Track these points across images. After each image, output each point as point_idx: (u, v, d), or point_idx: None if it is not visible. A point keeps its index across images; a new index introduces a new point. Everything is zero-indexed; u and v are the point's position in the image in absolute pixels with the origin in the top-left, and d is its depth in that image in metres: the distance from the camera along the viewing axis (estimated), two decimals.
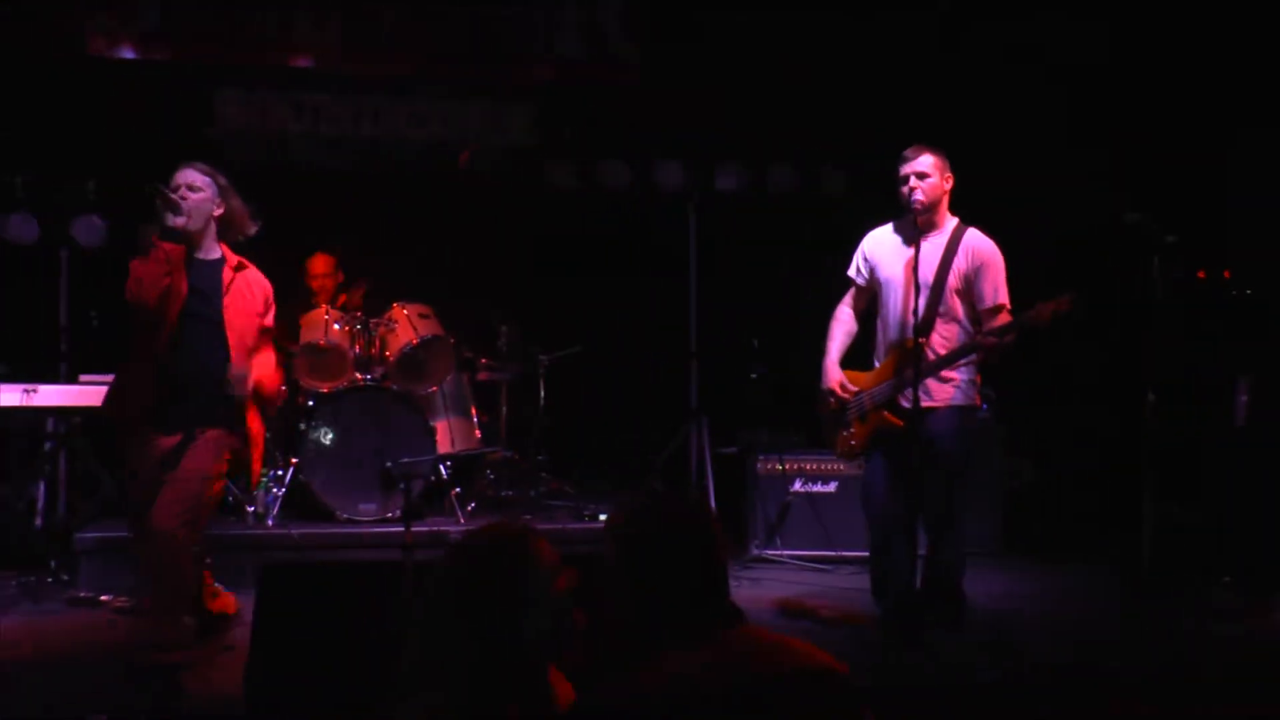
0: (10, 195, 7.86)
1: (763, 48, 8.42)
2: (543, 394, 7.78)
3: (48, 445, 6.99)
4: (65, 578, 6.52)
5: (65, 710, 4.36)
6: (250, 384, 4.84)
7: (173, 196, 4.73)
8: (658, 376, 8.58)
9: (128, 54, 8.16)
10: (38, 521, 7.11)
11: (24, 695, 4.62)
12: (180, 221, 4.73)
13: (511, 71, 8.71)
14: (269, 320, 5.08)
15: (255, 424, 5.00)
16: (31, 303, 7.06)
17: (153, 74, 8.20)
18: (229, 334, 4.83)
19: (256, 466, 5.14)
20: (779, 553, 7.22)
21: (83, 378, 6.61)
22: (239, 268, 4.96)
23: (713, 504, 7.71)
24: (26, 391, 6.52)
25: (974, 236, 5.40)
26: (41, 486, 7.13)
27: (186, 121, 8.27)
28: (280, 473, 7.06)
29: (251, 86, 8.52)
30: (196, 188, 4.82)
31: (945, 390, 5.34)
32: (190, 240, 4.80)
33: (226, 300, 4.87)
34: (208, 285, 4.84)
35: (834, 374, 5.60)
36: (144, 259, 4.69)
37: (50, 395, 6.54)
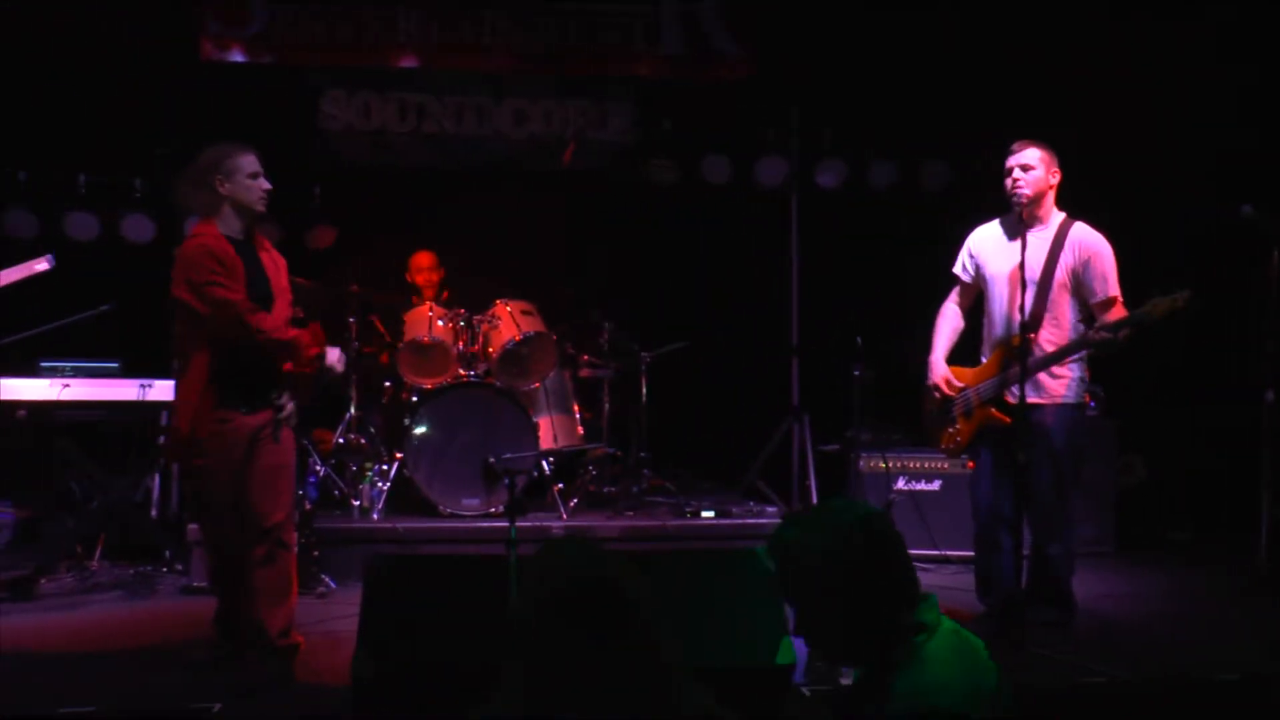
0: (128, 197, 8.07)
1: (863, 42, 8.33)
2: (644, 390, 7.79)
3: (161, 439, 7.16)
4: (179, 567, 6.71)
5: (180, 698, 4.46)
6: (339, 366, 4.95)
7: None
8: (759, 373, 8.55)
9: (237, 58, 8.33)
10: (153, 513, 7.30)
11: (140, 683, 4.75)
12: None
13: (612, 68, 8.72)
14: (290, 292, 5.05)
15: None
16: (146, 300, 7.23)
17: (260, 77, 8.37)
18: (274, 311, 4.81)
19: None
20: None
21: None
22: (265, 248, 4.95)
23: (814, 501, 7.70)
24: (142, 386, 6.70)
25: (1081, 230, 5.31)
26: (156, 479, 7.32)
27: (294, 123, 8.42)
28: (385, 467, 7.17)
29: (355, 87, 8.64)
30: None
31: (1054, 387, 5.25)
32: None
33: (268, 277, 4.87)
34: (255, 267, 4.83)
35: (939, 369, 5.54)
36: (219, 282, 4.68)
37: (164, 390, 6.70)
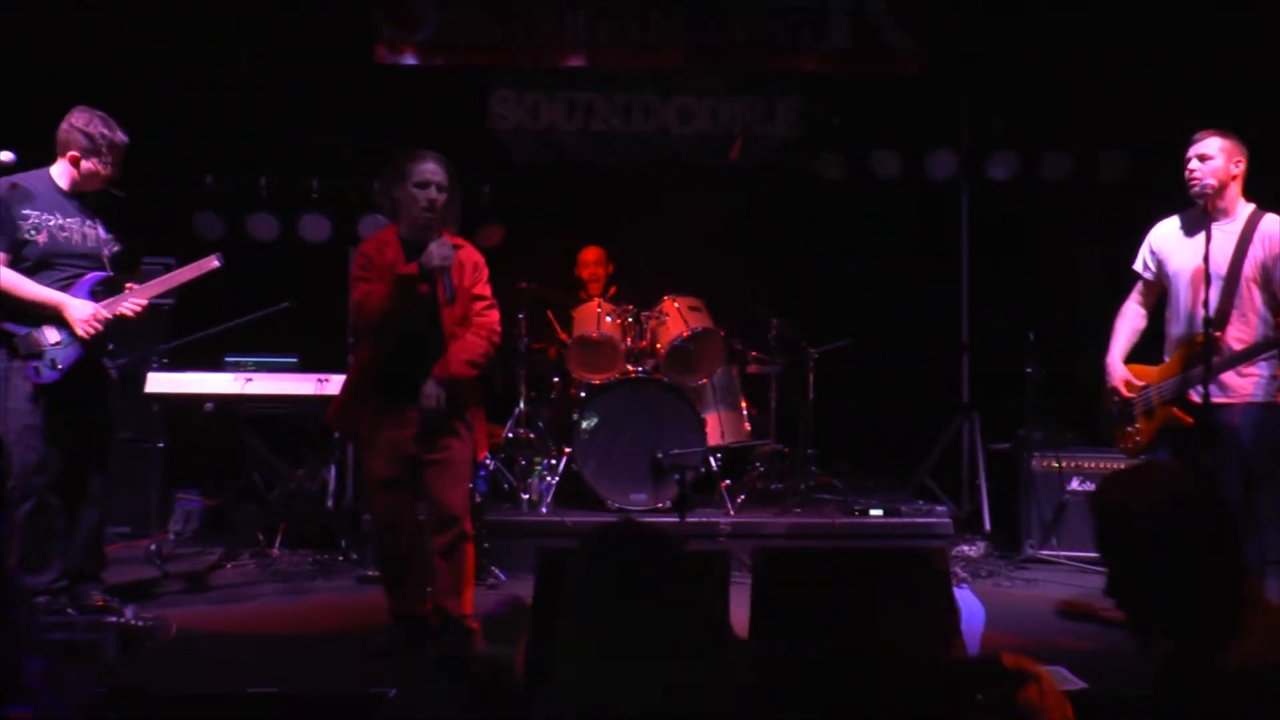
0: (305, 198, 8.34)
1: (1035, 31, 8.13)
2: (812, 387, 7.73)
3: (338, 432, 7.36)
4: (355, 556, 6.88)
5: (358, 682, 4.58)
6: (441, 397, 4.84)
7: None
8: (929, 370, 8.41)
9: (410, 61, 8.54)
10: (329, 503, 7.52)
11: (319, 667, 4.89)
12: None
13: (780, 64, 8.69)
14: (480, 288, 5.03)
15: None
16: (323, 297, 7.47)
17: (432, 79, 8.56)
18: (444, 313, 4.88)
19: (483, 436, 5.17)
20: (1054, 553, 6.95)
21: None
22: (455, 248, 4.97)
23: (985, 502, 7.54)
24: (319, 381, 6.89)
25: (1272, 222, 5.08)
26: (333, 470, 7.53)
27: (464, 123, 8.58)
28: (554, 461, 7.26)
29: (524, 88, 8.78)
30: (444, 188, 4.91)
31: (1242, 385, 5.03)
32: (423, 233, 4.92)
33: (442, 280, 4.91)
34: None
35: (1117, 370, 5.37)
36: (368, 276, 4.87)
37: (340, 384, 6.88)
